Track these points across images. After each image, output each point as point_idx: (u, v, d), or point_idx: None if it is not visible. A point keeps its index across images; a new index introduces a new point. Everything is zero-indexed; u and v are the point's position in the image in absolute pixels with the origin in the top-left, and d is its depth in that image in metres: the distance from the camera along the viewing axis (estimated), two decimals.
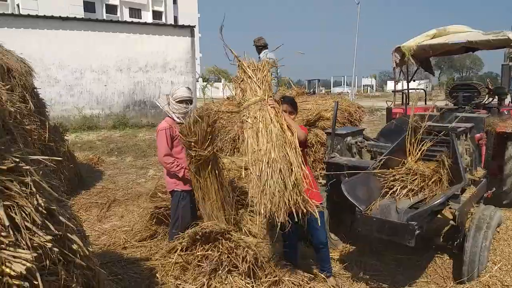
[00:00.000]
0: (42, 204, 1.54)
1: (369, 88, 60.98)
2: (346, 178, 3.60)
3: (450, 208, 3.63)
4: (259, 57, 7.29)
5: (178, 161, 3.77)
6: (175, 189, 3.84)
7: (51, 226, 1.54)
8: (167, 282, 2.93)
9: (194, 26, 15.72)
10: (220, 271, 2.61)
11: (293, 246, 3.47)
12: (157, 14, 44.37)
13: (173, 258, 2.95)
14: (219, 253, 2.75)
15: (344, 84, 53.13)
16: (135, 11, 42.76)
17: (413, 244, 2.84)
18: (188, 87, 4.02)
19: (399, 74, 6.46)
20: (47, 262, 1.44)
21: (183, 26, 15.69)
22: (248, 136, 2.67)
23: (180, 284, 2.88)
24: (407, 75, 6.62)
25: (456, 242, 3.59)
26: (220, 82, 44.60)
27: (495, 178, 5.09)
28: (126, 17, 38.51)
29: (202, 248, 2.72)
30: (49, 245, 1.46)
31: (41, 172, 1.69)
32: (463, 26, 5.89)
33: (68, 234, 1.62)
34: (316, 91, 27.74)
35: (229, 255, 2.72)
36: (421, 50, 5.89)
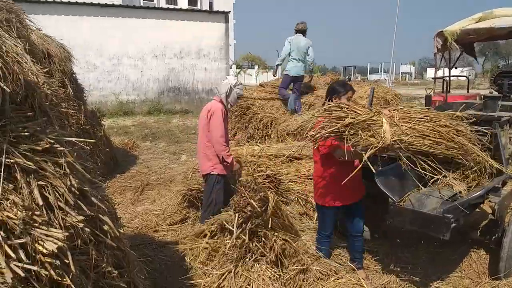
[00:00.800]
0: (75, 185, 1.58)
1: (407, 75, 58.90)
2: (380, 168, 3.50)
3: (489, 201, 3.47)
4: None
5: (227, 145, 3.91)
6: (212, 173, 3.89)
7: (83, 207, 1.58)
8: (195, 266, 2.98)
9: (228, 12, 15.67)
10: (247, 259, 2.62)
11: (327, 236, 3.45)
12: (192, 1, 44.55)
13: (201, 243, 2.99)
14: (248, 241, 2.73)
15: (381, 71, 51.55)
16: None
17: (448, 238, 2.72)
18: (243, 85, 4.36)
19: (441, 60, 6.17)
20: (79, 241, 1.49)
21: (217, 12, 15.68)
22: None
23: (208, 270, 2.92)
24: (449, 61, 6.33)
25: (494, 237, 3.43)
26: (253, 69, 44.64)
27: None
28: (163, 4, 38.94)
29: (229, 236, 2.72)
30: (81, 225, 1.50)
31: (75, 154, 1.74)
32: (510, 8, 5.52)
33: (99, 215, 1.66)
34: (352, 78, 27.19)
35: (257, 244, 2.72)
36: (465, 35, 5.59)
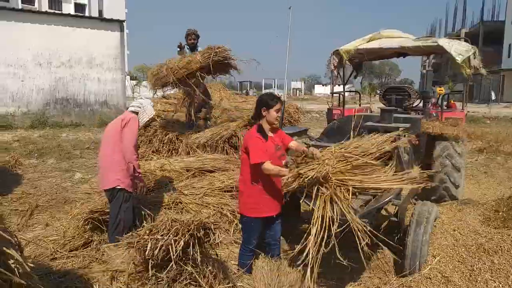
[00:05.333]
0: None
1: (298, 91, 63.03)
2: None
3: (392, 204, 3.78)
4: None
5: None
6: (119, 187, 3.55)
7: None
8: None
9: (123, 21, 14.93)
10: (177, 283, 2.40)
11: (251, 250, 3.39)
12: (79, 7, 41.45)
13: (119, 266, 2.68)
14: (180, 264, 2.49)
15: (275, 87, 54.23)
16: (55, 2, 39.49)
17: (366, 242, 2.87)
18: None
19: (337, 77, 6.66)
20: None
21: (111, 20, 14.80)
22: None
23: None
24: (343, 78, 6.86)
25: (397, 237, 3.73)
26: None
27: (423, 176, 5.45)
28: (45, 8, 35.44)
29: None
30: None
31: None
32: (396, 30, 6.24)
33: (4, 248, 1.34)
34: (249, 93, 28.00)
35: (193, 268, 2.49)
36: (358, 54, 6.14)
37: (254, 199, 3.23)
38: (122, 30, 14.66)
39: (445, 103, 6.81)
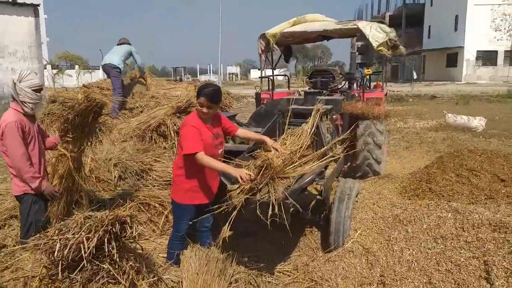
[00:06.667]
0: None
1: (234, 76, 62.97)
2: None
3: (316, 183, 3.89)
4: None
5: (34, 166, 3.20)
6: (26, 192, 3.25)
7: None
8: None
9: (38, 5, 13.71)
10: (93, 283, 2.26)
11: (181, 237, 3.36)
12: None
13: (33, 271, 2.47)
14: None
15: (210, 72, 53.65)
16: None
17: (289, 221, 2.93)
18: (35, 73, 3.40)
19: (265, 61, 6.69)
20: None
21: (24, 4, 13.51)
22: None
23: None
24: (272, 62, 6.91)
25: (322, 215, 3.87)
26: (74, 69, 40.65)
27: (349, 154, 5.70)
28: None
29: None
30: None
31: None
32: (319, 15, 6.38)
33: None
34: (183, 79, 27.44)
35: (110, 265, 2.35)
36: (284, 38, 6.19)
37: (188, 185, 3.18)
38: (37, 15, 13.49)
39: (370, 84, 7.14)
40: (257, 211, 2.80)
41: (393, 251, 3.28)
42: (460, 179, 4.03)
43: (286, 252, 3.97)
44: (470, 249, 2.88)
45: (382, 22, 6.14)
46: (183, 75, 36.10)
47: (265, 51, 6.40)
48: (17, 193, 3.29)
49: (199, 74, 55.34)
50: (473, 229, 3.01)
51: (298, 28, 6.05)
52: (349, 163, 5.70)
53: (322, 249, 3.90)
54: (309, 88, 6.73)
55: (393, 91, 22.11)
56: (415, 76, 29.67)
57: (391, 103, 19.11)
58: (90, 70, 39.92)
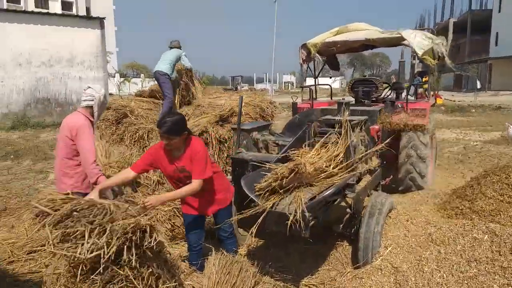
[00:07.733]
0: None
1: (289, 84, 62.96)
2: (248, 173, 3.59)
3: (347, 197, 3.79)
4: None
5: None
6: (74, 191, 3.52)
7: None
8: None
9: (103, 18, 14.79)
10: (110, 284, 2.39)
11: (193, 248, 3.42)
12: (66, 5, 40.95)
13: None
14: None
15: (266, 81, 54.19)
16: (42, 1, 39.02)
17: (308, 235, 2.88)
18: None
19: (307, 70, 6.65)
20: None
21: (91, 18, 14.70)
22: None
23: None
24: (314, 71, 6.85)
25: (353, 229, 3.75)
26: (139, 77, 43.10)
27: (391, 167, 5.47)
28: (32, 7, 34.99)
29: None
30: None
31: None
32: (363, 24, 6.23)
33: None
34: (239, 88, 28.00)
35: (130, 270, 2.48)
36: (326, 47, 6.12)
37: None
38: (102, 27, 14.56)
39: (428, 93, 6.77)
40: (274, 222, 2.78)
41: (423, 272, 3.10)
42: (504, 198, 3.71)
43: (315, 265, 3.90)
44: (506, 275, 2.65)
45: (431, 31, 5.87)
46: (240, 83, 36.86)
47: (307, 60, 6.36)
48: (62, 192, 3.55)
49: (256, 83, 56.11)
50: (511, 253, 2.76)
51: (340, 37, 5.95)
52: (391, 176, 5.48)
53: (351, 265, 3.79)
54: (342, 99, 6.60)
55: (453, 101, 20.84)
56: (479, 85, 27.69)
57: (451, 113, 18.05)
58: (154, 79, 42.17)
